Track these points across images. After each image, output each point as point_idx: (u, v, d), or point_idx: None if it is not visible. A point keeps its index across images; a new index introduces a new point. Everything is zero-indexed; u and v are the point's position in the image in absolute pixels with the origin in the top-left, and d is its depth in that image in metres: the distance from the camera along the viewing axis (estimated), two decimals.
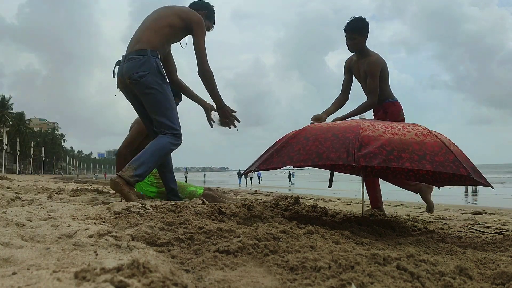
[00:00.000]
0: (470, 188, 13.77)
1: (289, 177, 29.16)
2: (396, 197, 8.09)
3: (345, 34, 3.29)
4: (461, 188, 14.08)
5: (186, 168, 42.15)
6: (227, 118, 2.96)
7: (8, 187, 4.19)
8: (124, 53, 2.82)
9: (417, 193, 3.42)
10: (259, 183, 30.90)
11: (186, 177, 34.58)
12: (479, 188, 12.83)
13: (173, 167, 3.20)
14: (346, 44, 3.30)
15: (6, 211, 1.75)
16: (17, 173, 46.90)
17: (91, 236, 1.26)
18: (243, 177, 32.82)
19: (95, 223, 1.56)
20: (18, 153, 55.46)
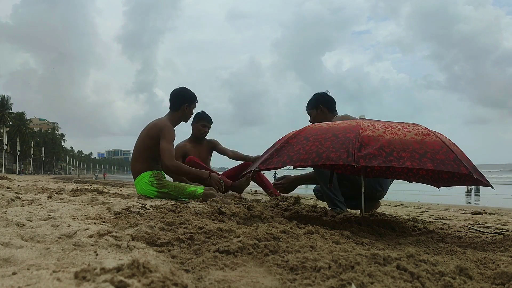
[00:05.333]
0: (470, 188, 13.76)
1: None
2: (396, 197, 8.09)
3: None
4: (461, 188, 14.07)
5: None
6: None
7: (8, 187, 4.18)
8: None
9: None
10: None
11: None
12: (480, 188, 12.82)
13: None
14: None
15: (6, 211, 1.75)
16: (17, 173, 46.83)
17: (91, 236, 1.26)
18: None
19: (95, 223, 1.56)
20: (18, 153, 55.44)
